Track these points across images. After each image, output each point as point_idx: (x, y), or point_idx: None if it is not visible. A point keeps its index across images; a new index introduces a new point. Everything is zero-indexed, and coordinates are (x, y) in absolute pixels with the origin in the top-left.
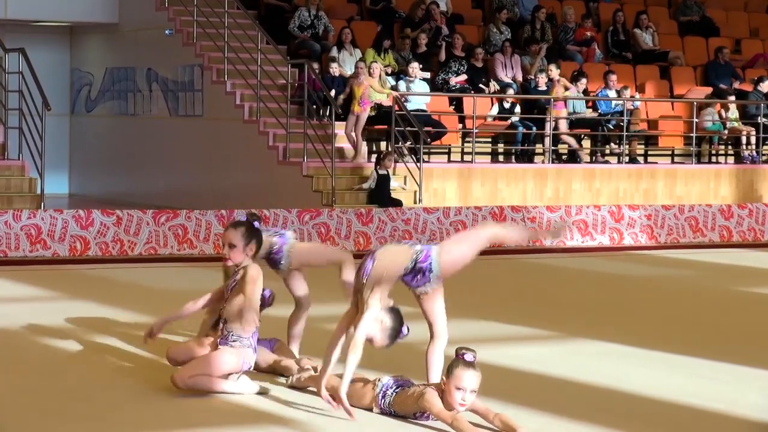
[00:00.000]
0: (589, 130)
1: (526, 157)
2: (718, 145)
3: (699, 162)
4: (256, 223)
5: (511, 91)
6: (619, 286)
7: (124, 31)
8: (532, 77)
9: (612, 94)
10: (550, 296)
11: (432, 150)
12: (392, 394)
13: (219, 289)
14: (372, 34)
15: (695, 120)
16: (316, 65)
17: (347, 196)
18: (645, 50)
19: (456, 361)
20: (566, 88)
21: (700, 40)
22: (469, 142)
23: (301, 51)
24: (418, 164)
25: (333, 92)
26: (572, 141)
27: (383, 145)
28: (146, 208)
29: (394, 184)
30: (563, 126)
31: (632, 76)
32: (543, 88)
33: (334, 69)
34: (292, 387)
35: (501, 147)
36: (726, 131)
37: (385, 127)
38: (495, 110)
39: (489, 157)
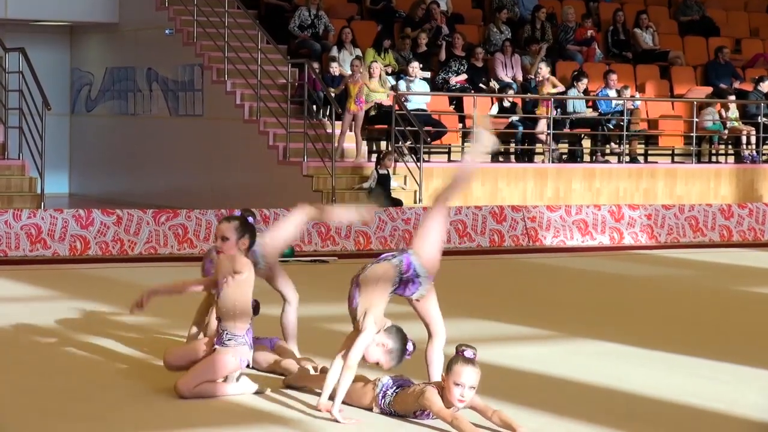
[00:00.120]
0: (589, 130)
1: (526, 156)
2: (718, 145)
3: (699, 162)
4: (251, 219)
5: (511, 92)
6: (619, 286)
7: (125, 30)
8: (532, 77)
9: (612, 93)
10: (550, 296)
11: (432, 150)
12: (392, 393)
13: (211, 280)
14: (372, 33)
15: (695, 120)
16: (316, 65)
17: (347, 196)
18: (645, 50)
19: (456, 357)
20: (554, 86)
21: (701, 39)
22: (469, 142)
23: (302, 50)
24: (419, 164)
25: (333, 93)
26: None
27: (383, 144)
28: (146, 207)
29: (394, 183)
30: (542, 125)
31: (632, 76)
32: (563, 88)
33: (335, 69)
34: (288, 386)
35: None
36: (726, 131)
37: (386, 126)
38: (495, 110)
39: (489, 156)
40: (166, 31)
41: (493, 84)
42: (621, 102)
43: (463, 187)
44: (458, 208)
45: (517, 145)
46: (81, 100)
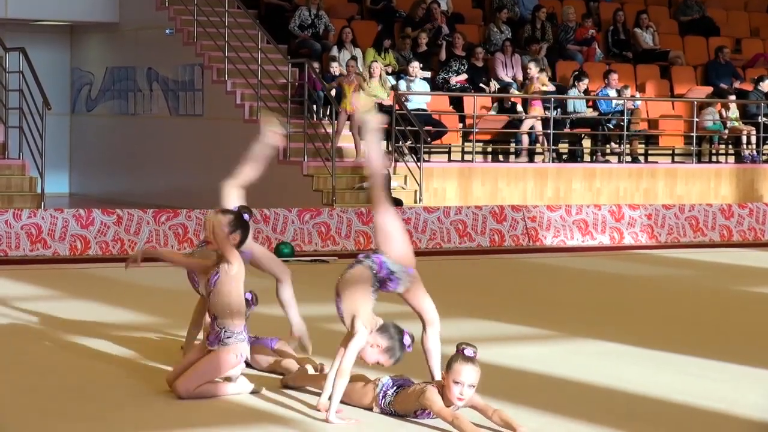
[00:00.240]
0: (589, 130)
1: (526, 156)
2: (718, 145)
3: (699, 161)
4: (246, 216)
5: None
6: (620, 286)
7: (125, 30)
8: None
9: (612, 93)
10: (550, 296)
11: (432, 149)
12: (393, 393)
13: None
14: (372, 33)
15: (696, 119)
16: (316, 65)
17: (347, 196)
18: (645, 50)
19: (456, 355)
20: (543, 84)
21: (701, 39)
22: (469, 141)
23: (302, 50)
24: (419, 164)
25: (333, 92)
26: (525, 140)
27: (384, 144)
28: (147, 207)
29: (394, 183)
30: (537, 125)
31: (633, 76)
32: (553, 88)
33: (335, 68)
34: (286, 386)
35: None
36: (726, 131)
37: (386, 126)
38: (495, 110)
39: (489, 156)
40: (167, 31)
41: (494, 84)
42: (621, 102)
43: (381, 180)
44: (458, 208)
45: (517, 145)
46: (81, 99)
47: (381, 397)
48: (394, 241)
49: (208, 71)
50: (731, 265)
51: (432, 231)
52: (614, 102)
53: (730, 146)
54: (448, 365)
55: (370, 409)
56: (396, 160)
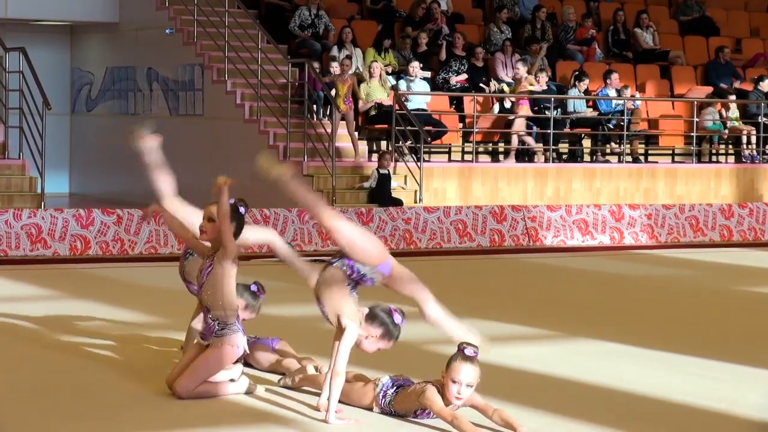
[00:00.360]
0: (589, 130)
1: (527, 156)
2: (718, 145)
3: (699, 161)
4: (242, 209)
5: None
6: (620, 286)
7: (125, 30)
8: (533, 76)
9: (612, 93)
10: (550, 296)
11: (432, 149)
12: (392, 393)
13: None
14: (372, 33)
15: (696, 119)
16: (316, 64)
17: (347, 195)
18: (645, 49)
19: (456, 354)
20: (531, 84)
21: (701, 39)
22: (470, 142)
23: (302, 50)
24: (419, 164)
25: (333, 92)
26: (530, 140)
27: (384, 144)
28: (146, 207)
29: (394, 183)
30: (522, 124)
31: (633, 76)
32: (543, 87)
33: (335, 68)
34: (286, 386)
35: (501, 146)
36: (726, 131)
37: (386, 126)
38: (495, 110)
39: (489, 156)
40: (167, 31)
41: (494, 84)
42: (621, 102)
43: (299, 188)
44: (459, 208)
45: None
46: (81, 99)
47: (381, 397)
48: (357, 248)
49: (208, 71)
50: (731, 265)
51: (432, 231)
52: (614, 102)
53: (730, 146)
54: (448, 364)
55: (370, 409)
56: (396, 160)
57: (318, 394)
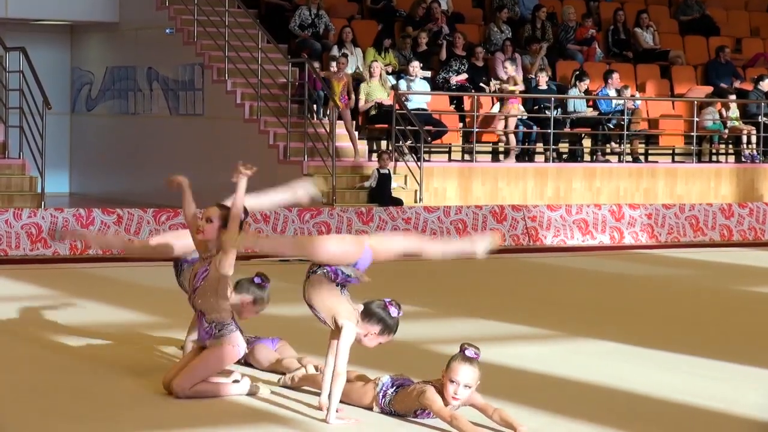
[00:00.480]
0: (589, 130)
1: (527, 156)
2: (718, 145)
3: (699, 161)
4: (242, 215)
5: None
6: (620, 286)
7: (125, 30)
8: (533, 76)
9: (612, 93)
10: (550, 295)
11: (432, 149)
12: (392, 393)
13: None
14: (373, 33)
15: (696, 119)
16: (316, 64)
17: (347, 195)
18: (645, 49)
19: (457, 354)
20: (515, 83)
21: (701, 39)
22: (471, 142)
23: (302, 50)
24: (419, 163)
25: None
26: (512, 139)
27: (384, 144)
28: (147, 206)
29: (394, 183)
30: (511, 123)
31: (633, 75)
32: (543, 87)
33: (333, 67)
34: (285, 386)
35: (501, 146)
36: (726, 130)
37: (386, 126)
38: (496, 109)
39: (489, 156)
40: (167, 31)
41: (494, 83)
42: (621, 101)
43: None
44: (459, 208)
45: (517, 144)
46: (81, 99)
47: (381, 397)
48: (338, 259)
49: (208, 71)
50: (731, 264)
51: (432, 230)
52: (614, 102)
53: (730, 146)
54: (448, 364)
55: (370, 408)
56: (396, 160)
57: (318, 394)
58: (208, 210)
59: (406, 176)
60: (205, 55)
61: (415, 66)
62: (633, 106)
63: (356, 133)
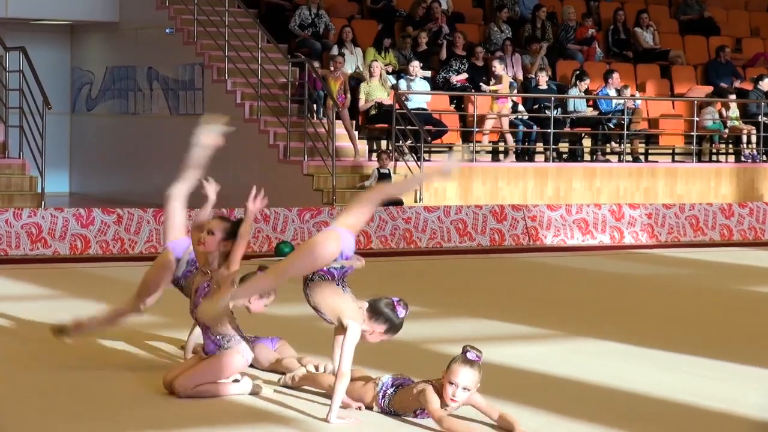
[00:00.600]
0: (589, 129)
1: (527, 155)
2: (718, 144)
3: (700, 161)
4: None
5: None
6: (620, 285)
7: (125, 29)
8: (533, 76)
9: (613, 93)
10: (550, 295)
11: (432, 149)
12: (392, 393)
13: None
14: (373, 32)
15: (696, 119)
16: (316, 64)
17: (348, 195)
18: (645, 49)
19: (458, 356)
20: (500, 82)
21: (701, 39)
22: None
23: (302, 50)
24: (419, 163)
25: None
26: (509, 139)
27: (384, 143)
28: (147, 206)
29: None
30: (504, 123)
31: (633, 75)
32: (543, 87)
33: (332, 67)
34: (285, 386)
35: (501, 146)
36: (726, 130)
37: (386, 125)
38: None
39: (489, 155)
40: (167, 30)
41: (494, 83)
42: (621, 101)
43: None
44: (459, 207)
45: (517, 144)
46: (81, 99)
47: (381, 397)
48: (317, 263)
49: (208, 71)
50: (731, 264)
51: (432, 230)
52: (614, 101)
53: (731, 145)
54: (449, 365)
55: (371, 408)
56: (396, 160)
57: (318, 393)
58: (210, 222)
59: (406, 176)
60: (205, 54)
61: (415, 66)
62: (633, 106)
63: (356, 132)
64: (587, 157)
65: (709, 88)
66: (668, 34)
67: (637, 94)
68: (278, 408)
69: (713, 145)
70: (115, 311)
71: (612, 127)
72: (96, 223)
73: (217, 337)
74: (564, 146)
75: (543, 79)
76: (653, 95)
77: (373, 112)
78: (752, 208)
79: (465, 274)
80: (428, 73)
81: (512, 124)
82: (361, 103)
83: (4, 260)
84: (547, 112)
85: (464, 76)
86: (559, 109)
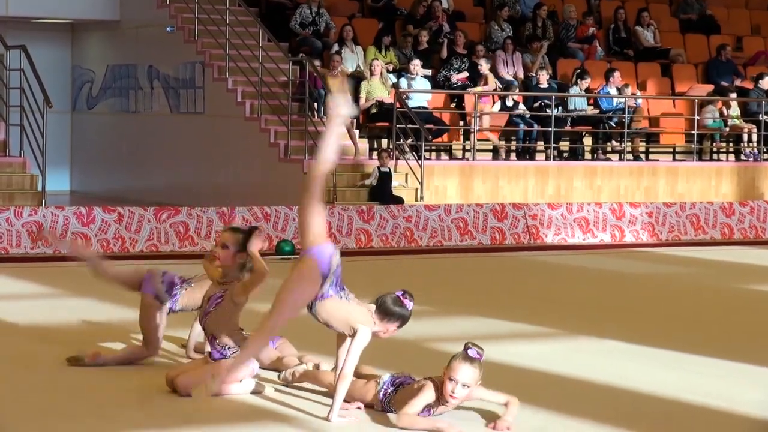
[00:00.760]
0: (590, 128)
1: (527, 154)
2: (719, 143)
3: (700, 159)
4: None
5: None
6: (621, 284)
7: (126, 28)
8: (534, 75)
9: (613, 91)
10: (551, 294)
11: (433, 147)
12: (392, 392)
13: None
14: (373, 31)
15: (696, 117)
16: (317, 62)
17: (348, 194)
18: (646, 48)
19: (459, 353)
20: (486, 82)
21: (702, 37)
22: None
23: (303, 48)
24: (420, 161)
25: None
26: (494, 138)
27: (384, 142)
28: (147, 205)
29: (395, 182)
30: (486, 121)
31: (634, 74)
32: (544, 85)
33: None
34: (285, 382)
35: (502, 144)
36: (727, 129)
37: (387, 124)
38: (497, 107)
39: (490, 154)
40: (168, 29)
41: (495, 82)
42: (622, 100)
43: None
44: (459, 206)
45: (518, 143)
46: (82, 97)
47: (381, 396)
48: (306, 292)
49: (209, 69)
50: (732, 263)
51: (433, 229)
52: (615, 100)
53: (731, 144)
54: (449, 361)
55: (372, 407)
56: (397, 158)
57: (319, 392)
58: (223, 235)
59: (406, 174)
60: (205, 53)
61: (416, 64)
62: (634, 105)
63: (357, 131)
64: (588, 155)
65: (710, 87)
66: (669, 33)
67: (638, 93)
68: (279, 407)
69: (714, 143)
70: (132, 354)
71: (613, 125)
72: (97, 222)
73: (224, 348)
74: (565, 145)
75: (544, 78)
76: (654, 94)
77: (373, 110)
78: (753, 207)
79: (466, 273)
80: (429, 72)
81: (513, 123)
82: (362, 101)
83: (5, 259)
84: (547, 110)
85: (465, 74)
86: (560, 108)
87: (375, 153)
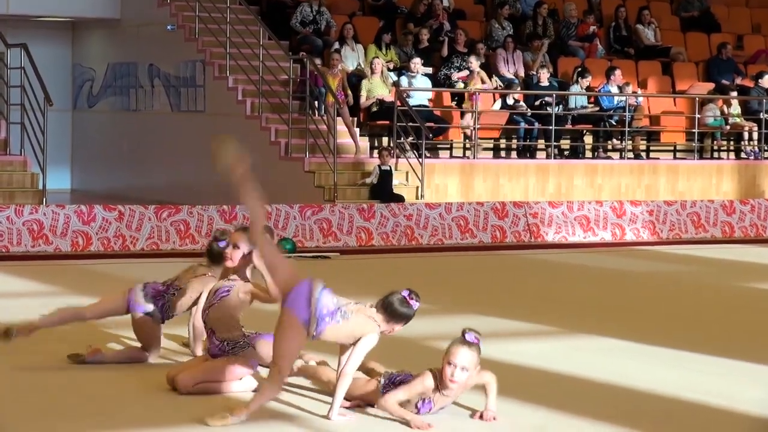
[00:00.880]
0: (591, 126)
1: (528, 152)
2: (720, 141)
3: (701, 158)
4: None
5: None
6: (621, 282)
7: (126, 26)
8: (534, 73)
9: (614, 89)
10: (551, 292)
11: (434, 146)
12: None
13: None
14: (374, 29)
15: (697, 116)
16: (318, 61)
17: (349, 192)
18: (647, 46)
19: (457, 338)
20: (482, 81)
21: (702, 35)
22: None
23: (303, 46)
24: (420, 160)
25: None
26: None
27: (385, 140)
28: (148, 203)
29: (396, 181)
30: (467, 118)
31: (634, 72)
32: (545, 83)
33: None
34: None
35: (503, 143)
36: (728, 127)
37: (387, 122)
38: (497, 106)
39: (491, 152)
40: (168, 27)
41: (495, 80)
42: (623, 98)
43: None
44: (460, 204)
45: (518, 141)
46: (83, 95)
47: (382, 394)
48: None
49: (209, 67)
50: (733, 261)
51: (434, 227)
52: (616, 98)
53: (732, 142)
54: (447, 348)
55: (372, 405)
56: (398, 157)
57: (318, 391)
58: (234, 235)
59: (407, 173)
60: (206, 51)
61: (417, 62)
62: (634, 103)
63: (357, 129)
64: (588, 154)
65: (711, 85)
66: (669, 31)
67: (639, 91)
68: (280, 405)
69: (715, 142)
70: (132, 354)
71: (613, 124)
72: (97, 220)
73: (224, 343)
74: (565, 143)
75: (544, 76)
76: (655, 92)
77: (374, 108)
78: (753, 205)
79: (466, 271)
80: (429, 70)
81: (513, 121)
82: (363, 100)
83: (6, 257)
84: (548, 109)
85: (465, 73)
86: (561, 106)
87: (376, 151)
